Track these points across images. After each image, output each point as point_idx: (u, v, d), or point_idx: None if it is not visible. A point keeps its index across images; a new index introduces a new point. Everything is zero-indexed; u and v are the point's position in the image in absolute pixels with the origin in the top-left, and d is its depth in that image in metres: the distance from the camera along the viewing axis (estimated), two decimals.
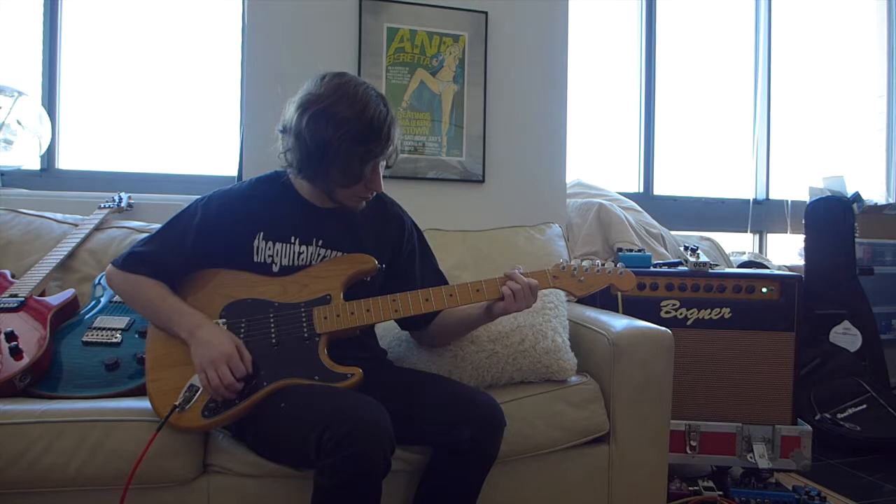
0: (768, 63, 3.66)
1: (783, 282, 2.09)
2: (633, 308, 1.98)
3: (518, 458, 1.54)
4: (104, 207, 2.06)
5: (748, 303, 2.08)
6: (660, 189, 3.43)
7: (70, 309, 1.69)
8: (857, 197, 3.19)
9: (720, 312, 2.08)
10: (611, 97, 3.42)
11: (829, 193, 3.17)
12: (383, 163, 1.41)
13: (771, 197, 3.67)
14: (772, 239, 3.65)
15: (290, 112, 1.36)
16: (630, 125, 3.43)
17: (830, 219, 3.03)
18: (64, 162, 2.51)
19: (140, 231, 1.99)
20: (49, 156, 2.45)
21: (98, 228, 1.97)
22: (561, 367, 1.64)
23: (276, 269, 1.45)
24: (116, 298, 1.72)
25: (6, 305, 1.60)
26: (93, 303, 1.73)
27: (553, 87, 2.53)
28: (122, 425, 1.29)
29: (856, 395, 2.66)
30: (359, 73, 2.28)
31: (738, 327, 2.07)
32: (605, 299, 2.04)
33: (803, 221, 3.10)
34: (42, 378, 1.46)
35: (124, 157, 2.57)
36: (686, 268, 2.16)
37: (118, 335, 1.58)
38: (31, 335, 1.51)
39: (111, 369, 1.50)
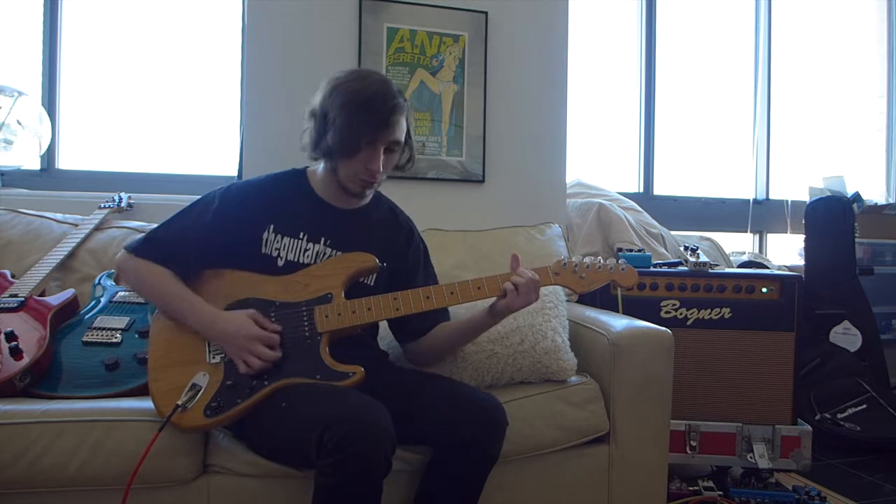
0: (768, 63, 3.66)
1: (783, 282, 2.09)
2: (633, 308, 1.98)
3: (518, 458, 1.54)
4: (104, 207, 2.06)
5: (748, 303, 2.08)
6: (660, 189, 3.43)
7: (70, 309, 1.69)
8: (857, 197, 3.19)
9: (720, 312, 2.08)
10: (611, 97, 3.42)
11: (829, 193, 3.17)
12: (393, 155, 1.45)
13: (771, 197, 3.67)
14: (772, 239, 3.65)
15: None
16: (630, 125, 3.43)
17: (830, 219, 3.03)
18: (64, 162, 2.51)
19: (140, 231, 1.99)
20: (49, 156, 2.44)
21: (98, 228, 1.97)
22: (561, 367, 1.64)
23: (280, 262, 1.45)
24: (116, 298, 1.72)
25: (6, 305, 1.60)
26: (93, 303, 1.73)
27: (553, 87, 2.53)
28: (122, 425, 1.29)
29: (856, 395, 2.66)
30: None
31: (738, 327, 2.07)
32: (605, 299, 2.04)
33: (803, 221, 3.11)
34: (42, 378, 1.46)
35: (124, 157, 2.57)
36: (686, 268, 2.16)
37: (118, 335, 1.58)
38: (31, 335, 1.51)
39: (111, 369, 1.50)
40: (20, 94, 2.23)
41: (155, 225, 1.51)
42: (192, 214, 1.47)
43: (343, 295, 1.41)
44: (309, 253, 1.46)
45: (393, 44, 2.33)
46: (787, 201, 3.60)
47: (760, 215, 3.58)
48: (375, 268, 1.46)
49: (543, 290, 1.53)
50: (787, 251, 3.60)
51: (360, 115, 1.37)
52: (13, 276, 1.75)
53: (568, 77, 2.55)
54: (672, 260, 2.39)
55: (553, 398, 1.61)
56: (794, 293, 2.07)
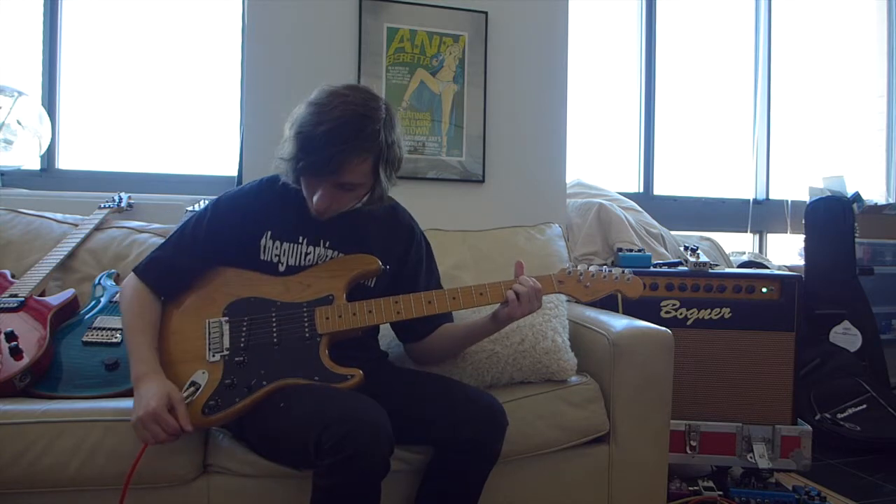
0: (768, 63, 3.66)
1: (783, 282, 2.09)
2: (633, 308, 1.97)
3: (518, 458, 1.54)
4: (104, 207, 2.06)
5: (748, 303, 2.08)
6: (660, 189, 3.43)
7: (70, 309, 1.69)
8: (857, 197, 3.19)
9: (720, 312, 2.08)
10: (611, 97, 3.42)
11: (829, 193, 3.17)
12: (348, 192, 1.36)
13: (771, 197, 3.67)
14: (772, 239, 3.65)
15: None
16: (630, 125, 3.43)
17: (830, 219, 3.03)
18: (64, 162, 2.51)
19: (140, 231, 1.99)
20: (49, 156, 2.45)
21: (98, 228, 1.97)
22: (561, 367, 1.64)
23: (282, 268, 1.45)
24: (116, 298, 1.72)
25: (6, 305, 1.60)
26: (93, 303, 1.73)
27: (553, 87, 2.53)
28: (122, 425, 1.28)
29: (856, 395, 2.66)
30: (359, 73, 2.28)
31: (738, 327, 2.07)
32: (605, 299, 2.03)
33: (803, 221, 3.11)
34: (42, 378, 1.46)
35: (124, 157, 2.57)
36: (686, 268, 2.16)
37: (118, 335, 1.58)
38: (31, 335, 1.51)
39: (111, 369, 1.50)
40: (20, 94, 2.23)
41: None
42: (188, 231, 1.46)
43: (344, 297, 1.41)
44: (310, 257, 1.46)
45: (393, 44, 2.33)
46: (787, 201, 3.60)
47: (760, 215, 3.58)
48: (378, 270, 1.46)
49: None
50: (787, 251, 3.60)
51: (301, 153, 1.30)
52: (13, 276, 1.75)
53: (568, 77, 2.55)
54: (672, 260, 2.39)
55: (553, 398, 1.61)
56: (794, 293, 2.07)
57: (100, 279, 1.81)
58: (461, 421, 1.34)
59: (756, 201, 3.60)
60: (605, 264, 1.49)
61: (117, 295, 1.73)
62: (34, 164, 2.40)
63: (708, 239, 2.93)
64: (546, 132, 2.52)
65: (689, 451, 2.02)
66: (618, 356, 1.65)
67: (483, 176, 2.44)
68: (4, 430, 1.25)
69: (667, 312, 2.08)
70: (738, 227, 3.54)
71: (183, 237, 1.46)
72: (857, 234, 3.03)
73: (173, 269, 1.43)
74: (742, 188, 3.65)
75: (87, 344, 1.56)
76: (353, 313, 1.39)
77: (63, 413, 1.30)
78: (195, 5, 2.66)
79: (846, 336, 2.87)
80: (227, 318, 1.39)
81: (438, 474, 1.38)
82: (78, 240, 1.90)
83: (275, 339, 1.36)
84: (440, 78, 2.38)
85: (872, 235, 3.34)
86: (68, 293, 1.71)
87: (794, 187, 3.64)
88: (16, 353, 1.44)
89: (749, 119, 3.68)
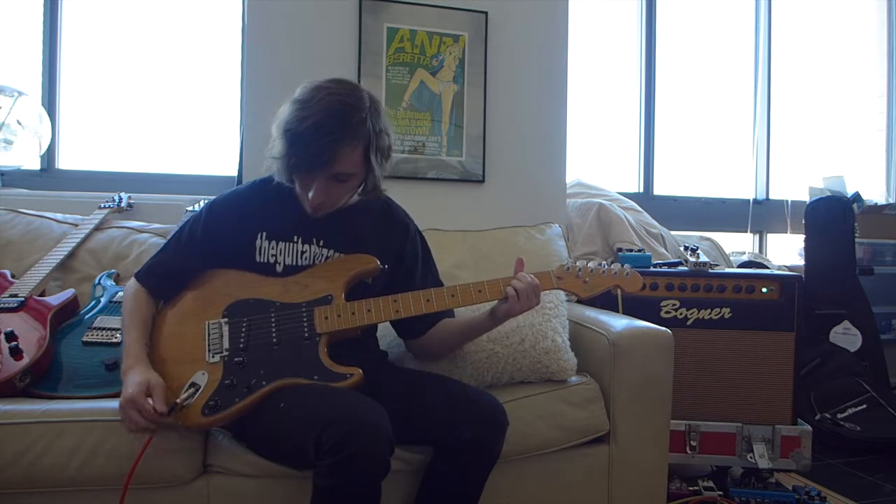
0: (768, 63, 3.66)
1: (783, 282, 2.09)
2: (633, 308, 1.97)
3: (518, 458, 1.54)
4: (104, 207, 2.06)
5: (748, 303, 2.08)
6: (660, 189, 3.43)
7: (70, 309, 1.69)
8: (857, 197, 3.19)
9: (720, 312, 2.08)
10: (611, 97, 3.42)
11: (829, 193, 3.17)
12: (343, 184, 1.36)
13: (771, 197, 3.67)
14: (772, 239, 3.65)
15: None
16: (630, 125, 3.43)
17: (830, 219, 3.03)
18: (64, 162, 2.51)
19: (140, 231, 1.99)
20: (49, 156, 2.45)
21: (98, 228, 1.97)
22: (561, 367, 1.64)
23: (279, 269, 1.45)
24: (116, 298, 1.72)
25: (6, 305, 1.60)
26: (93, 303, 1.73)
27: (553, 87, 2.53)
28: (122, 425, 1.28)
29: (856, 395, 2.66)
30: (359, 73, 2.28)
31: (738, 327, 2.07)
32: (605, 299, 2.02)
33: (803, 221, 3.11)
34: (42, 378, 1.46)
35: (124, 157, 2.57)
36: (686, 268, 2.16)
37: (118, 335, 1.58)
38: (31, 335, 1.51)
39: (111, 369, 1.50)
40: (20, 94, 2.23)
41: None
42: (184, 234, 1.49)
43: (343, 297, 1.41)
44: (306, 255, 1.46)
45: (393, 44, 2.33)
46: (787, 201, 3.60)
47: (760, 215, 3.58)
48: (376, 270, 1.46)
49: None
50: (787, 251, 3.60)
51: (292, 148, 1.30)
52: (13, 276, 1.75)
53: (568, 77, 2.55)
54: (672, 260, 2.39)
55: (553, 398, 1.61)
56: (794, 293, 2.07)
57: (100, 279, 1.81)
58: (461, 421, 1.34)
59: (756, 201, 3.60)
60: (604, 262, 1.49)
61: (117, 295, 1.73)
62: (34, 164, 2.40)
63: (708, 239, 2.93)
64: (546, 132, 2.52)
65: (689, 451, 2.02)
66: (618, 356, 1.65)
67: (483, 176, 2.44)
68: (4, 430, 1.25)
69: (667, 312, 2.08)
70: (738, 227, 3.54)
71: (180, 240, 1.49)
72: (857, 234, 3.03)
73: (172, 272, 1.46)
74: (742, 188, 3.65)
75: (87, 344, 1.56)
76: (352, 312, 1.39)
77: (63, 413, 1.30)
78: (195, 5, 2.66)
79: (846, 336, 2.87)
80: (226, 320, 1.39)
81: (439, 474, 1.38)
82: (78, 240, 1.90)
83: (274, 340, 1.36)
84: (440, 78, 2.38)
85: (872, 235, 3.35)
86: (68, 293, 1.71)
87: (794, 187, 3.64)
88: (16, 353, 1.44)
89: (749, 119, 3.68)
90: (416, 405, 1.38)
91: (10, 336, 1.46)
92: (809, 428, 2.05)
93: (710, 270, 2.13)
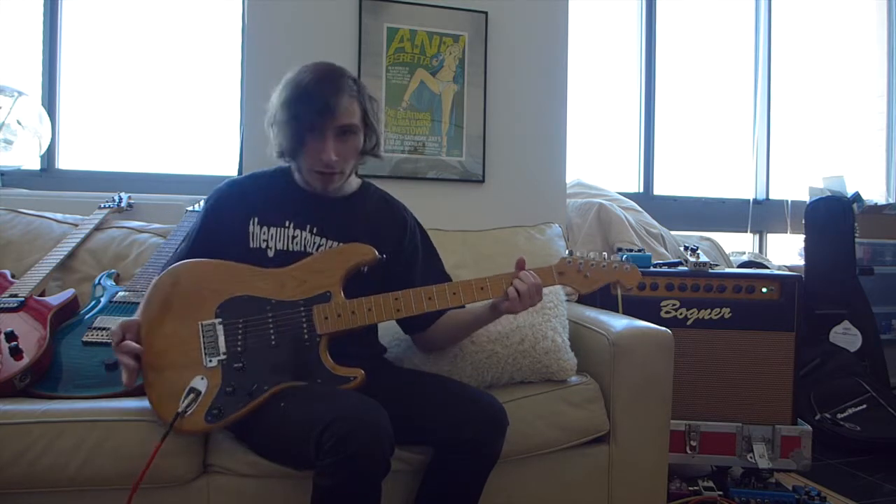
0: (768, 63, 3.66)
1: (783, 282, 2.09)
2: (633, 308, 1.97)
3: (518, 458, 1.54)
4: (104, 207, 2.06)
5: (748, 303, 2.08)
6: (660, 189, 3.43)
7: (70, 309, 1.69)
8: (857, 197, 3.19)
9: (720, 312, 2.08)
10: (611, 97, 3.42)
11: (829, 193, 3.17)
12: (349, 141, 1.42)
13: (771, 197, 3.67)
14: (772, 239, 3.66)
15: None
16: (630, 125, 3.43)
17: (830, 219, 3.03)
18: (64, 162, 2.51)
19: (140, 231, 1.99)
20: (49, 156, 2.45)
21: (98, 228, 1.97)
22: (561, 367, 1.64)
23: (271, 253, 1.45)
24: (116, 298, 1.72)
25: (6, 305, 1.60)
26: (93, 303, 1.73)
27: (553, 88, 2.53)
28: (122, 425, 1.29)
29: (856, 395, 2.66)
30: (359, 73, 2.28)
31: (738, 327, 2.07)
32: (605, 299, 2.04)
33: (803, 221, 3.10)
34: (42, 378, 1.46)
35: (124, 157, 2.57)
36: (686, 268, 2.16)
37: None
38: (31, 335, 1.51)
39: (111, 369, 1.50)
40: (20, 94, 2.23)
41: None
42: (194, 225, 1.55)
43: (342, 293, 1.39)
44: (297, 240, 1.46)
45: (393, 44, 2.33)
46: (787, 201, 3.60)
47: (760, 215, 3.58)
48: (375, 260, 1.43)
49: (544, 289, 1.52)
50: (787, 251, 3.60)
51: (298, 105, 1.37)
52: (13, 276, 1.75)
53: (568, 77, 2.55)
54: (672, 260, 2.39)
55: (553, 398, 1.61)
56: (794, 293, 2.07)
57: (100, 279, 1.81)
58: (461, 421, 1.34)
59: (756, 201, 3.61)
60: (605, 253, 1.49)
61: (117, 295, 1.73)
62: (34, 164, 2.40)
63: (708, 239, 2.93)
64: (546, 132, 2.52)
65: (689, 451, 2.02)
66: (618, 356, 1.65)
67: (483, 176, 2.44)
68: (4, 430, 1.25)
69: (667, 312, 2.08)
70: (738, 227, 3.54)
71: (190, 233, 1.54)
72: (857, 234, 3.03)
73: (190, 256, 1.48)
74: (742, 188, 3.65)
75: (87, 344, 1.56)
76: (353, 312, 1.37)
77: (63, 413, 1.30)
78: (195, 5, 2.66)
79: (846, 336, 2.87)
80: (220, 320, 1.35)
81: (439, 474, 1.38)
82: (78, 240, 1.90)
83: (273, 342, 1.35)
84: (440, 78, 2.38)
85: (872, 235, 3.35)
86: (68, 293, 1.71)
87: (794, 187, 3.64)
88: (16, 353, 1.44)
89: (749, 119, 3.68)
90: (416, 405, 1.38)
91: (10, 336, 1.46)
92: (809, 428, 2.05)
93: (710, 270, 2.13)
